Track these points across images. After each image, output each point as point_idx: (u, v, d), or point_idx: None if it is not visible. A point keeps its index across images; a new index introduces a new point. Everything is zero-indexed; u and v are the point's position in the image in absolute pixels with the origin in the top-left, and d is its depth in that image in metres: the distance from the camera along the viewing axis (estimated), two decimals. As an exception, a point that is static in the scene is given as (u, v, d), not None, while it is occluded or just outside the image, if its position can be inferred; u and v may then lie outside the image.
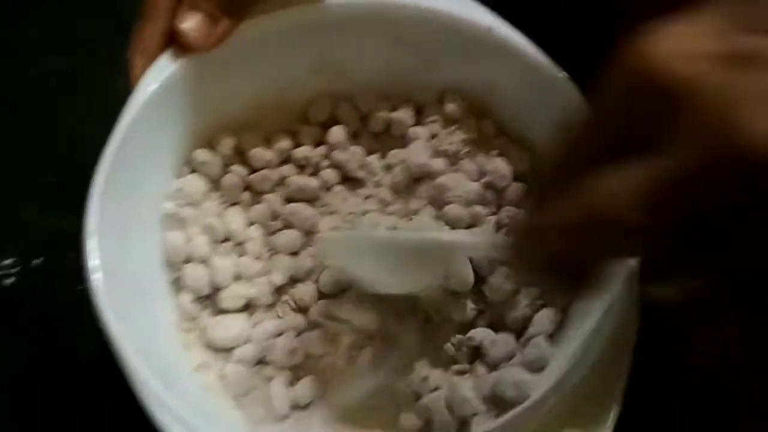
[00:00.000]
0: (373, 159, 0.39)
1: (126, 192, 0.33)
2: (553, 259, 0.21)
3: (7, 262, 0.43)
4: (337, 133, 0.39)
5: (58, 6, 0.53)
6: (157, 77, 0.34)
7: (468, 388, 0.33)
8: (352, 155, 0.39)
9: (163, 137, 0.36)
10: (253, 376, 0.35)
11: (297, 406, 0.34)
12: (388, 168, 0.39)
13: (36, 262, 0.43)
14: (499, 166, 0.37)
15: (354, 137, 0.40)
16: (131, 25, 0.47)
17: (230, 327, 0.35)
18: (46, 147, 0.47)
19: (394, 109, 0.40)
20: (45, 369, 0.40)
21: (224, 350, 0.35)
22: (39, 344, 0.40)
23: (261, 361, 0.36)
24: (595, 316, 0.30)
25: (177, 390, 0.31)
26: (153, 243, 0.36)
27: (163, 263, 0.36)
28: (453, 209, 0.36)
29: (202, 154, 0.38)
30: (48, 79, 0.49)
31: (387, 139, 0.40)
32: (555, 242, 0.21)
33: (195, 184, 0.38)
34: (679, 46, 0.18)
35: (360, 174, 0.38)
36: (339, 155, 0.39)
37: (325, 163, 0.39)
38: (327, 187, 0.39)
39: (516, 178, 0.38)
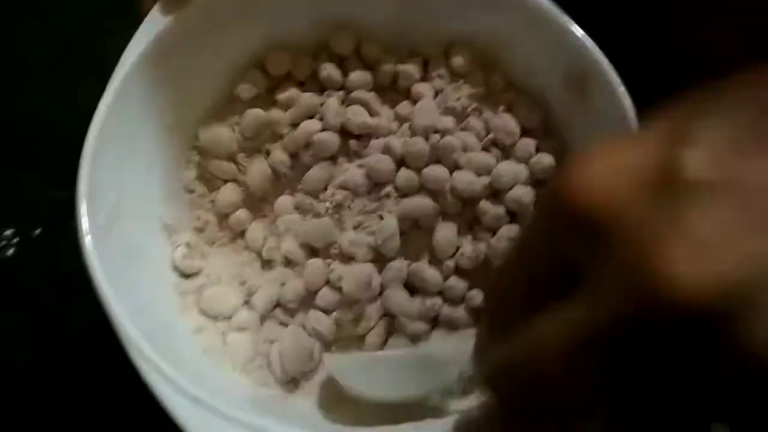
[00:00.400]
0: (385, 108, 0.38)
1: (120, 155, 0.33)
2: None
3: (8, 232, 0.42)
4: (358, 76, 0.38)
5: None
6: (145, 38, 0.33)
7: None
8: (371, 99, 0.37)
9: (156, 98, 0.35)
10: (255, 341, 0.34)
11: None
12: (398, 118, 0.38)
13: (36, 232, 0.42)
14: (507, 122, 0.36)
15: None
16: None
17: (224, 298, 0.34)
18: (45, 117, 0.46)
19: (400, 62, 0.38)
20: (43, 339, 0.39)
21: (222, 317, 0.34)
22: (38, 315, 0.40)
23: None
24: None
25: (174, 354, 0.30)
26: (151, 206, 0.35)
27: (162, 228, 0.36)
28: (462, 176, 0.35)
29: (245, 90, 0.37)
30: (47, 49, 0.48)
31: (393, 94, 0.39)
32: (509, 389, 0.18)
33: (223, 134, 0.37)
34: (607, 172, 0.16)
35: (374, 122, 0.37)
36: (361, 94, 0.37)
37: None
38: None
39: (525, 133, 0.36)
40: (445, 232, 0.35)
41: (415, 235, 0.36)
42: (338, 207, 0.36)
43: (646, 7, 0.39)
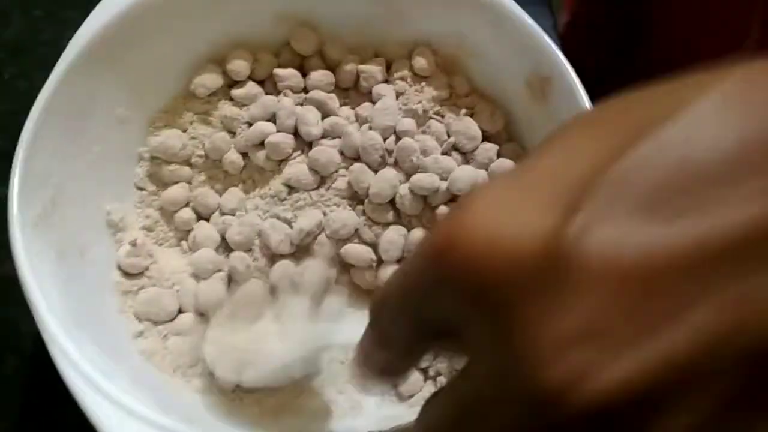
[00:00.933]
0: (345, 109, 0.37)
1: (62, 146, 0.32)
2: None
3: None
4: (319, 75, 0.37)
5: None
6: (94, 25, 0.32)
7: None
8: (329, 99, 0.36)
9: (104, 89, 0.33)
10: (195, 347, 0.32)
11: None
12: (358, 119, 0.37)
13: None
14: (468, 126, 0.35)
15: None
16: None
17: (163, 300, 0.33)
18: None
19: (362, 62, 0.37)
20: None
21: (161, 321, 0.33)
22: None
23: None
24: None
25: (112, 356, 0.28)
26: (96, 202, 0.34)
27: (107, 224, 0.34)
28: (423, 179, 0.34)
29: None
30: (6, 41, 0.47)
31: (355, 95, 0.38)
32: None
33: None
34: (491, 233, 0.14)
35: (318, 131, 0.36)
36: (318, 94, 0.36)
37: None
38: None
39: (486, 137, 0.35)
40: (392, 235, 0.34)
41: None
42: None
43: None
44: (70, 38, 0.33)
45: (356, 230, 0.34)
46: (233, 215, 0.35)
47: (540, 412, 0.13)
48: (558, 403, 0.13)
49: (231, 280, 0.34)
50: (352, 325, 0.24)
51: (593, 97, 0.30)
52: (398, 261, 0.34)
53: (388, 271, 0.34)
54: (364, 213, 0.34)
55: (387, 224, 0.34)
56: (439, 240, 0.15)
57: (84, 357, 0.26)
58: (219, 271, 0.34)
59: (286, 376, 0.30)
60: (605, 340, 0.12)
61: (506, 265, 0.13)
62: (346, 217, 0.34)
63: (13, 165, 0.30)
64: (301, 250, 0.34)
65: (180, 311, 0.34)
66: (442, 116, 0.36)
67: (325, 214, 0.34)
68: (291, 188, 0.35)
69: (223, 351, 0.30)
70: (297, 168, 0.34)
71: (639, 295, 0.12)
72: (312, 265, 0.33)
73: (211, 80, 0.37)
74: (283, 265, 0.33)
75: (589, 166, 0.14)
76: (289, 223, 0.34)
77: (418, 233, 0.34)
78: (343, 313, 0.31)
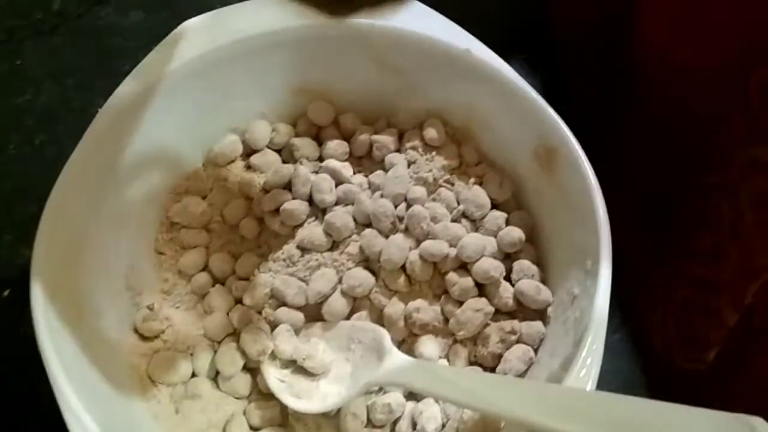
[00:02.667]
0: (358, 176, 0.39)
1: (87, 211, 0.33)
2: None
3: (-24, 292, 0.42)
4: (334, 145, 0.39)
5: (39, 40, 0.53)
6: (121, 98, 0.34)
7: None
8: (343, 167, 0.38)
9: (128, 156, 0.35)
10: (208, 411, 0.33)
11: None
12: (371, 186, 0.38)
13: (4, 293, 0.42)
14: (477, 194, 0.36)
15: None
16: (103, 54, 0.48)
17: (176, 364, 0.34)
18: (26, 179, 0.46)
19: (376, 132, 0.39)
20: (6, 404, 0.38)
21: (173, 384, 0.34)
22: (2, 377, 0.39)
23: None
24: (565, 352, 0.28)
25: (123, 421, 0.29)
26: (116, 266, 0.35)
27: (126, 288, 0.35)
28: (433, 246, 0.34)
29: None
30: (30, 109, 0.49)
31: (368, 163, 0.39)
32: None
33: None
34: None
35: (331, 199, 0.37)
36: (333, 163, 0.38)
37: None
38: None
39: (495, 206, 0.36)
40: (396, 308, 0.34)
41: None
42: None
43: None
44: (100, 106, 0.35)
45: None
46: (247, 280, 0.36)
47: None
48: None
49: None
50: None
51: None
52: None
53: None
54: (376, 277, 0.35)
55: (398, 292, 0.35)
56: None
57: (93, 418, 0.27)
58: (232, 334, 0.35)
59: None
60: None
61: None
62: (364, 277, 0.34)
63: (39, 226, 0.31)
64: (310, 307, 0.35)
65: (194, 375, 0.34)
66: (452, 184, 0.37)
67: (338, 272, 0.35)
68: (304, 251, 0.36)
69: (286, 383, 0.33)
70: (310, 230, 0.36)
71: None
72: (368, 326, 0.34)
73: (230, 148, 0.38)
74: (345, 326, 0.34)
75: None
76: (302, 281, 0.35)
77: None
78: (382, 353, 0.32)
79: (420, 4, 0.37)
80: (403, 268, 0.35)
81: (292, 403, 0.32)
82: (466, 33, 0.36)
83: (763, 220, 0.31)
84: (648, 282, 0.40)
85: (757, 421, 0.21)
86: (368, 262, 0.36)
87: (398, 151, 0.38)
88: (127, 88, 0.35)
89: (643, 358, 0.39)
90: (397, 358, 0.31)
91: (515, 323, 0.33)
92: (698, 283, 0.36)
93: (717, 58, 0.33)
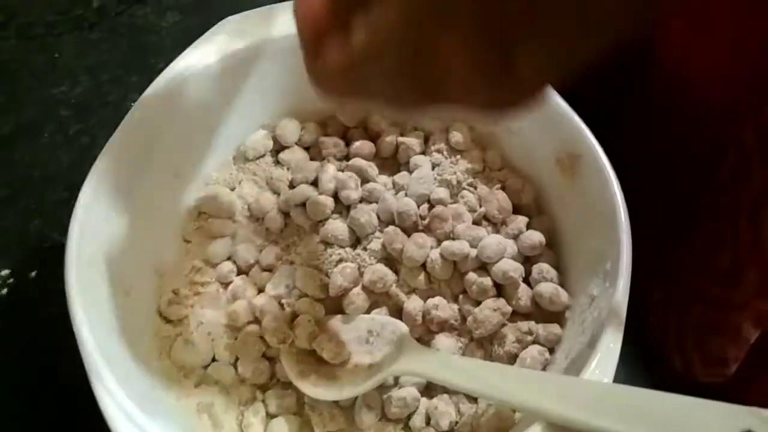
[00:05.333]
0: (383, 177, 0.39)
1: (119, 197, 0.34)
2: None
3: (4, 272, 0.43)
4: (361, 145, 0.40)
5: (78, 35, 0.55)
6: (156, 91, 0.35)
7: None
8: (369, 167, 0.39)
9: (161, 146, 0.36)
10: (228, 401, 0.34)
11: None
12: (395, 186, 0.39)
13: (32, 274, 0.43)
14: (500, 198, 0.37)
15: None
16: (140, 51, 0.49)
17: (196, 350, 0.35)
18: (58, 167, 0.47)
19: (402, 134, 0.40)
20: (25, 384, 0.39)
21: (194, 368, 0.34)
22: (23, 358, 0.40)
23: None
24: (580, 353, 0.29)
25: (149, 400, 0.30)
26: (145, 251, 0.36)
27: (154, 272, 0.36)
28: (454, 245, 0.35)
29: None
30: (65, 101, 0.51)
31: (393, 165, 0.40)
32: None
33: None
34: None
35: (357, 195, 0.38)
36: (359, 162, 0.39)
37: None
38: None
39: (517, 210, 0.37)
40: (415, 304, 0.35)
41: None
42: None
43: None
44: (134, 101, 0.36)
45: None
46: (270, 271, 0.37)
47: None
48: None
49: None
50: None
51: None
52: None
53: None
54: (397, 274, 0.36)
55: (418, 289, 0.36)
56: None
57: (126, 394, 0.27)
58: (252, 323, 0.36)
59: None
60: None
61: None
62: (385, 272, 0.35)
63: (74, 207, 0.32)
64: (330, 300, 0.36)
65: (214, 359, 0.35)
66: (475, 188, 0.38)
67: (360, 268, 0.35)
68: (327, 245, 0.36)
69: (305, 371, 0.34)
70: (334, 225, 0.36)
71: None
72: (387, 320, 0.35)
73: (261, 144, 0.39)
74: (365, 319, 0.35)
75: None
76: (325, 274, 0.36)
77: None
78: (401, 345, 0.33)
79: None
80: (424, 266, 0.36)
81: (311, 391, 0.33)
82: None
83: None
84: (654, 299, 0.40)
85: None
86: (389, 260, 0.36)
87: (423, 153, 0.39)
88: (162, 81, 0.36)
89: (653, 370, 0.39)
90: (416, 348, 0.32)
91: (532, 324, 0.34)
92: (714, 301, 0.36)
93: (732, 77, 0.34)
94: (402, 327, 0.34)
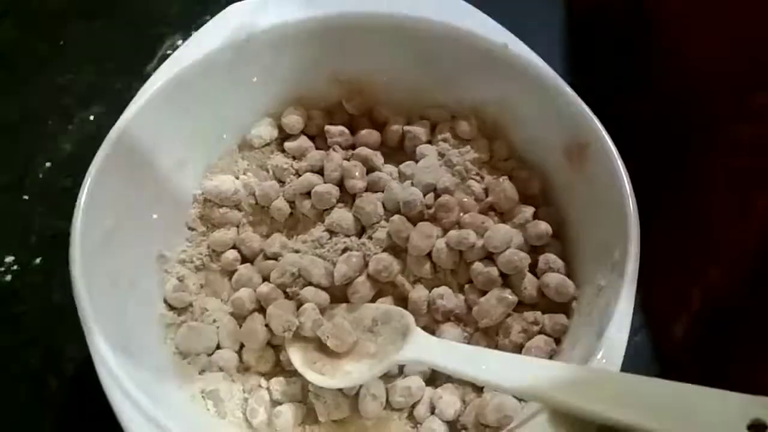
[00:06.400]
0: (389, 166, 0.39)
1: (125, 183, 0.34)
2: None
3: (8, 259, 0.43)
4: (365, 133, 0.39)
5: (84, 22, 0.54)
6: (163, 76, 0.35)
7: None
8: (374, 156, 0.38)
9: (167, 133, 0.36)
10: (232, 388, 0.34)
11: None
12: (401, 176, 0.38)
13: (36, 261, 0.43)
14: (506, 188, 0.36)
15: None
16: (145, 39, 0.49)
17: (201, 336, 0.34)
18: (62, 154, 0.47)
19: (408, 123, 0.40)
20: (29, 371, 0.39)
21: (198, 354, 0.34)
22: (27, 345, 0.40)
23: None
24: (587, 343, 0.29)
25: (153, 384, 0.30)
26: (150, 237, 0.36)
27: (157, 259, 0.36)
28: (460, 234, 0.35)
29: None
30: (70, 89, 0.50)
31: (399, 154, 0.40)
32: None
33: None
34: None
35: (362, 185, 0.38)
36: (365, 151, 0.38)
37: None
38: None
39: (524, 200, 0.37)
40: (420, 294, 0.35)
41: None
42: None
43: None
44: (138, 89, 0.36)
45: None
46: (275, 259, 0.37)
47: None
48: None
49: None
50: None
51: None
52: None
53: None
54: (402, 264, 0.36)
55: (423, 279, 0.36)
56: None
57: (131, 381, 0.27)
58: (256, 311, 0.36)
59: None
60: None
61: None
62: (390, 261, 0.35)
63: (78, 197, 0.32)
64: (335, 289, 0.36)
65: (218, 347, 0.35)
66: (482, 177, 0.38)
67: (366, 257, 0.35)
68: (332, 234, 0.36)
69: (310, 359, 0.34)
70: (340, 213, 0.36)
71: None
72: (392, 309, 0.35)
73: (266, 132, 0.39)
74: (370, 308, 0.35)
75: None
76: (330, 263, 0.36)
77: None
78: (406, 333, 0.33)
79: (460, 0, 0.38)
80: (429, 255, 0.35)
81: (316, 378, 0.33)
82: (503, 28, 0.36)
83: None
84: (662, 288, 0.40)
85: None
86: (395, 249, 0.36)
87: (429, 142, 0.39)
88: (167, 69, 0.36)
89: (661, 360, 0.39)
90: (421, 337, 0.32)
91: (538, 314, 0.33)
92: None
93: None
94: (407, 315, 0.33)
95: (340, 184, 0.38)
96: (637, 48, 0.43)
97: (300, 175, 0.38)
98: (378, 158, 0.38)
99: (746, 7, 0.34)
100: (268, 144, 0.39)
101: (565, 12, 0.52)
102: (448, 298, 0.35)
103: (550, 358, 0.32)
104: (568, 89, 0.34)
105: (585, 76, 0.37)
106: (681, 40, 0.39)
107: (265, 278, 0.37)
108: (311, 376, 0.33)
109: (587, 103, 0.34)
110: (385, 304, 0.35)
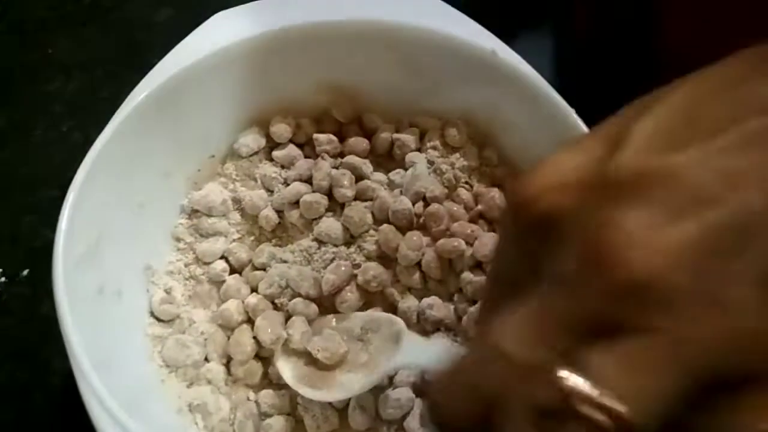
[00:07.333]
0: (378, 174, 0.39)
1: (110, 194, 0.34)
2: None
3: (-4, 271, 0.42)
4: (355, 142, 0.39)
5: (71, 31, 0.54)
6: (147, 87, 0.35)
7: None
8: (363, 164, 0.38)
9: (153, 144, 0.35)
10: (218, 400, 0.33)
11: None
12: (390, 184, 0.38)
13: (23, 273, 0.42)
14: (496, 196, 0.36)
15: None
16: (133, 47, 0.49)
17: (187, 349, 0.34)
18: (50, 164, 0.47)
19: (397, 131, 0.39)
20: (16, 383, 0.38)
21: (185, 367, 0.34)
22: (13, 357, 0.39)
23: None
24: None
25: (137, 400, 0.29)
26: (136, 249, 0.35)
27: (144, 270, 0.36)
28: (449, 243, 0.35)
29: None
30: (58, 97, 0.50)
31: (388, 162, 0.39)
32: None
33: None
34: (554, 177, 0.18)
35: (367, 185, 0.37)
36: (354, 159, 0.38)
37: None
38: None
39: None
40: (409, 304, 0.35)
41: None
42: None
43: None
44: (127, 98, 0.35)
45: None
46: (263, 270, 0.37)
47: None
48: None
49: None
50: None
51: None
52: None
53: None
54: (393, 275, 0.35)
55: (412, 288, 0.35)
56: (518, 188, 0.18)
57: (112, 395, 0.27)
58: (246, 322, 0.35)
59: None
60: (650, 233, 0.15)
61: (577, 190, 0.17)
62: (379, 271, 0.35)
63: (63, 206, 0.31)
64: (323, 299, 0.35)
65: (206, 359, 0.35)
66: (471, 185, 0.37)
67: (354, 266, 0.35)
68: (321, 243, 0.36)
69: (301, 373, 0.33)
70: (328, 223, 0.36)
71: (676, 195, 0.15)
72: (382, 316, 0.34)
73: (254, 141, 0.39)
74: (359, 316, 0.35)
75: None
76: (318, 273, 0.35)
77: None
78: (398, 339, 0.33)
79: (445, 4, 0.37)
80: (419, 265, 0.35)
81: (305, 391, 0.32)
82: (491, 34, 0.36)
83: None
84: None
85: None
86: (384, 258, 0.36)
87: (419, 150, 0.39)
88: (154, 77, 0.35)
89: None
90: (414, 339, 0.32)
91: (529, 324, 0.33)
92: None
93: None
94: (398, 321, 0.33)
95: (329, 192, 0.37)
96: (628, 54, 0.43)
97: (288, 184, 0.38)
98: (367, 166, 0.38)
99: (747, 11, 0.34)
100: (255, 153, 0.39)
101: (554, 20, 0.51)
102: (437, 308, 0.34)
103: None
104: (557, 96, 0.34)
105: (574, 83, 0.36)
106: (673, 47, 0.38)
107: (254, 289, 0.36)
108: (301, 389, 0.33)
109: (576, 110, 0.33)
110: (374, 312, 0.35)
